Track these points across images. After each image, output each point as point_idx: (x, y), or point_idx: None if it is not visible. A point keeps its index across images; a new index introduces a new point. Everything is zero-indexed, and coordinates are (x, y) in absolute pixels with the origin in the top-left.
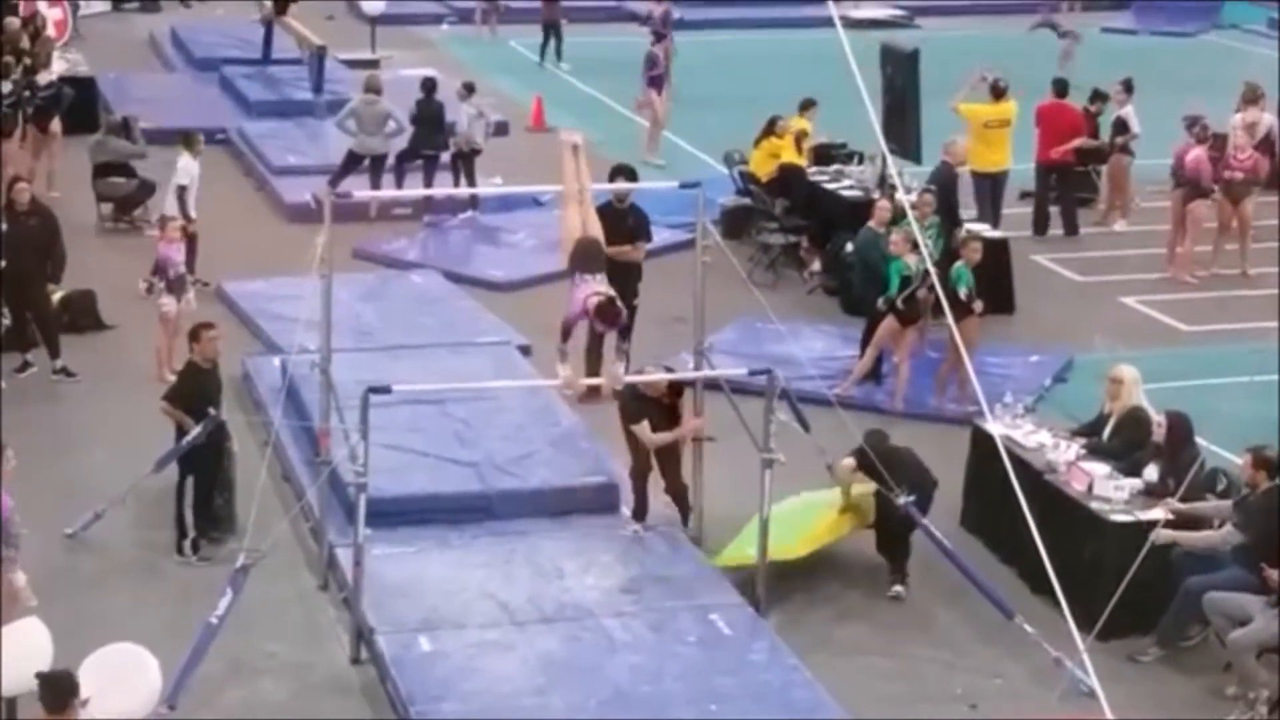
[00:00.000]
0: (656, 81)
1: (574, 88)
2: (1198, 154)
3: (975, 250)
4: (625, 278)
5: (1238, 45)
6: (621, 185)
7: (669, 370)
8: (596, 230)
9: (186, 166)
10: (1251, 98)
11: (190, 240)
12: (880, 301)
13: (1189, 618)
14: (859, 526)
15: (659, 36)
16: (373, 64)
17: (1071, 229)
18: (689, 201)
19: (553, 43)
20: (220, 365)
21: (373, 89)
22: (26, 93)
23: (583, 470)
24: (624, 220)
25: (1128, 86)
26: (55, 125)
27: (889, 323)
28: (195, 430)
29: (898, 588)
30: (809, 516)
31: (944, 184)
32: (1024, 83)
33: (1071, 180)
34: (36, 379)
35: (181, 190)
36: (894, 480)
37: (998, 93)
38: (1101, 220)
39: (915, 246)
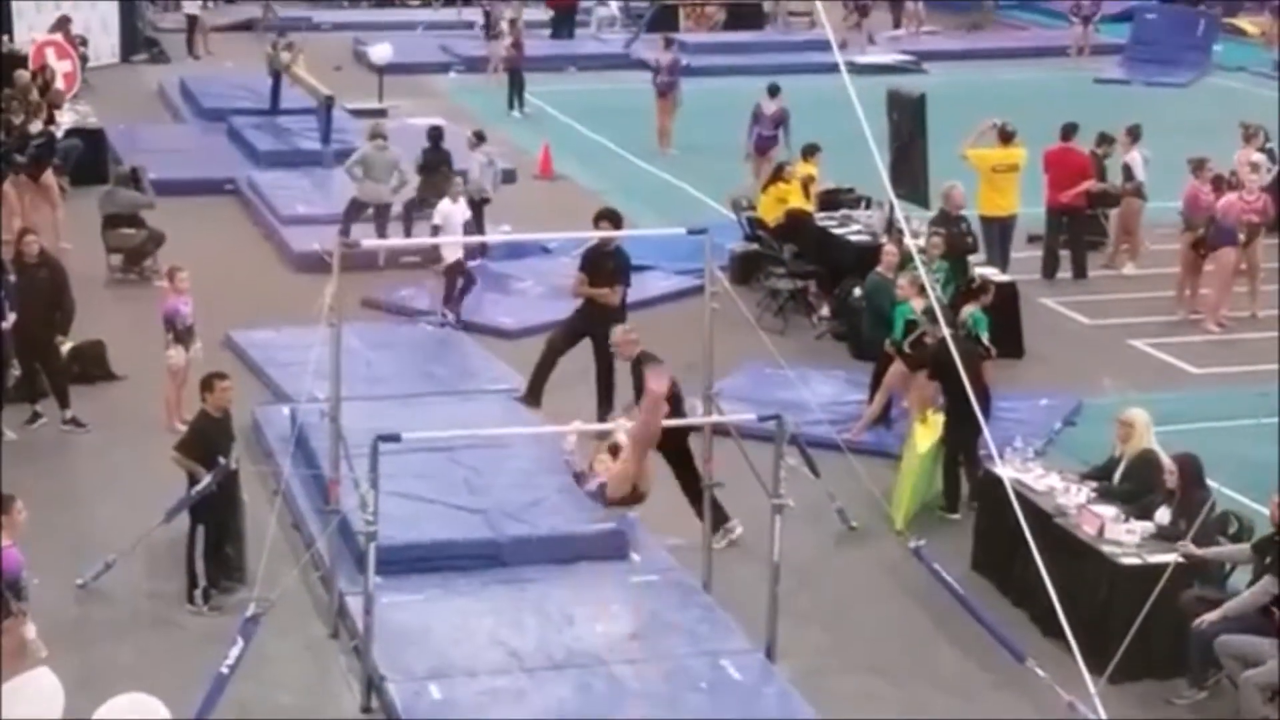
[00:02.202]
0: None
1: (582, 135)
2: (1230, 200)
3: (990, 294)
4: (603, 321)
5: (1242, 88)
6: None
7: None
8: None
9: (442, 209)
10: (1247, 137)
11: (454, 275)
12: (886, 344)
13: (1206, 660)
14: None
15: (666, 87)
16: (380, 113)
17: (1080, 272)
18: (697, 247)
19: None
20: (231, 414)
21: (379, 135)
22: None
23: (592, 517)
24: (606, 264)
25: (1132, 132)
26: (48, 177)
27: (897, 367)
28: (206, 480)
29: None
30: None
31: (948, 230)
32: (1030, 128)
33: (1081, 224)
34: (46, 430)
35: (434, 230)
36: (954, 387)
37: (1005, 137)
38: (1110, 263)
39: (922, 290)
